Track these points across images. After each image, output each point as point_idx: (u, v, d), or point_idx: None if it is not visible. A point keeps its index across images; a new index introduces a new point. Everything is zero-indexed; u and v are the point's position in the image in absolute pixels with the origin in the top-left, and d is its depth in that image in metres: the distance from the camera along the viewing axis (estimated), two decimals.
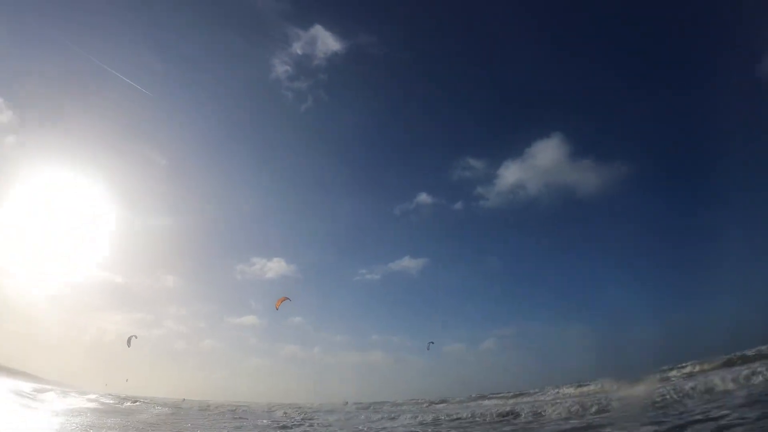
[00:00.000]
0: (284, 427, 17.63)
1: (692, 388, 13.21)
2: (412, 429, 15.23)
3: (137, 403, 31.14)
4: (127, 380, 38.32)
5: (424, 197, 54.76)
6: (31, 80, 58.37)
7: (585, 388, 22.87)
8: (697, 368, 19.09)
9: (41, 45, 54.92)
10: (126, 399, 34.52)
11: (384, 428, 16.07)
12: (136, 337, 29.64)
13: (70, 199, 55.28)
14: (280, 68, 54.54)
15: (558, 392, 24.39)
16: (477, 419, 15.70)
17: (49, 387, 38.67)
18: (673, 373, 19.76)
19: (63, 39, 54.00)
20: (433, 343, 33.60)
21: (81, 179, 54.76)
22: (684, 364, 20.28)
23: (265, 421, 21.02)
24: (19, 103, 57.14)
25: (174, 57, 59.26)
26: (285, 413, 26.40)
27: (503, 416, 15.30)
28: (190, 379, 60.59)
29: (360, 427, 16.77)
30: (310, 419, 21.49)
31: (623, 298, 43.71)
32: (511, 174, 50.59)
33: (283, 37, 55.69)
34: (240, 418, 22.82)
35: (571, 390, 23.77)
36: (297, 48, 53.67)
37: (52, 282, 70.99)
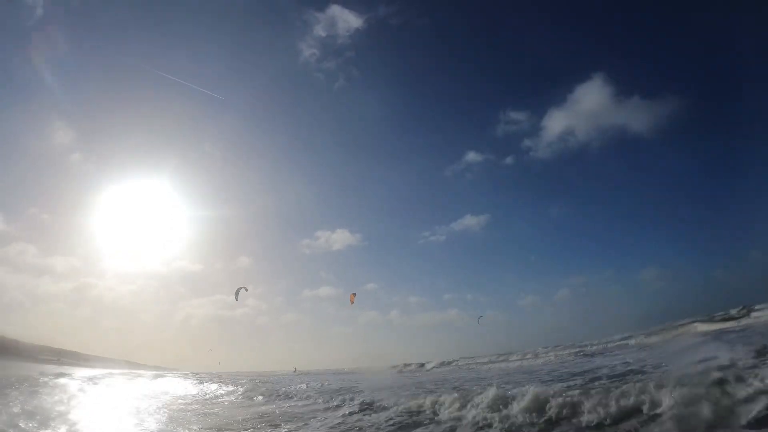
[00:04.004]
0: None
1: None
2: None
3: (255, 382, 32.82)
4: (210, 350, 39.01)
5: (472, 156, 54.97)
6: (85, 96, 62.61)
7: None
8: None
9: (88, 62, 57.93)
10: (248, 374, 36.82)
11: None
12: (246, 290, 28.02)
13: (139, 201, 61.27)
14: (307, 52, 55.21)
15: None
16: None
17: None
18: None
19: (106, 50, 56.78)
20: (482, 317, 35.68)
21: (145, 181, 60.10)
22: None
23: None
24: (77, 121, 61.49)
25: (208, 57, 60.93)
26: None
27: None
28: (284, 351, 66.31)
29: None
30: None
31: (694, 236, 42.08)
32: (557, 123, 49.84)
33: (303, 23, 56.24)
34: None
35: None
36: (319, 30, 53.99)
37: (136, 279, 78.24)
